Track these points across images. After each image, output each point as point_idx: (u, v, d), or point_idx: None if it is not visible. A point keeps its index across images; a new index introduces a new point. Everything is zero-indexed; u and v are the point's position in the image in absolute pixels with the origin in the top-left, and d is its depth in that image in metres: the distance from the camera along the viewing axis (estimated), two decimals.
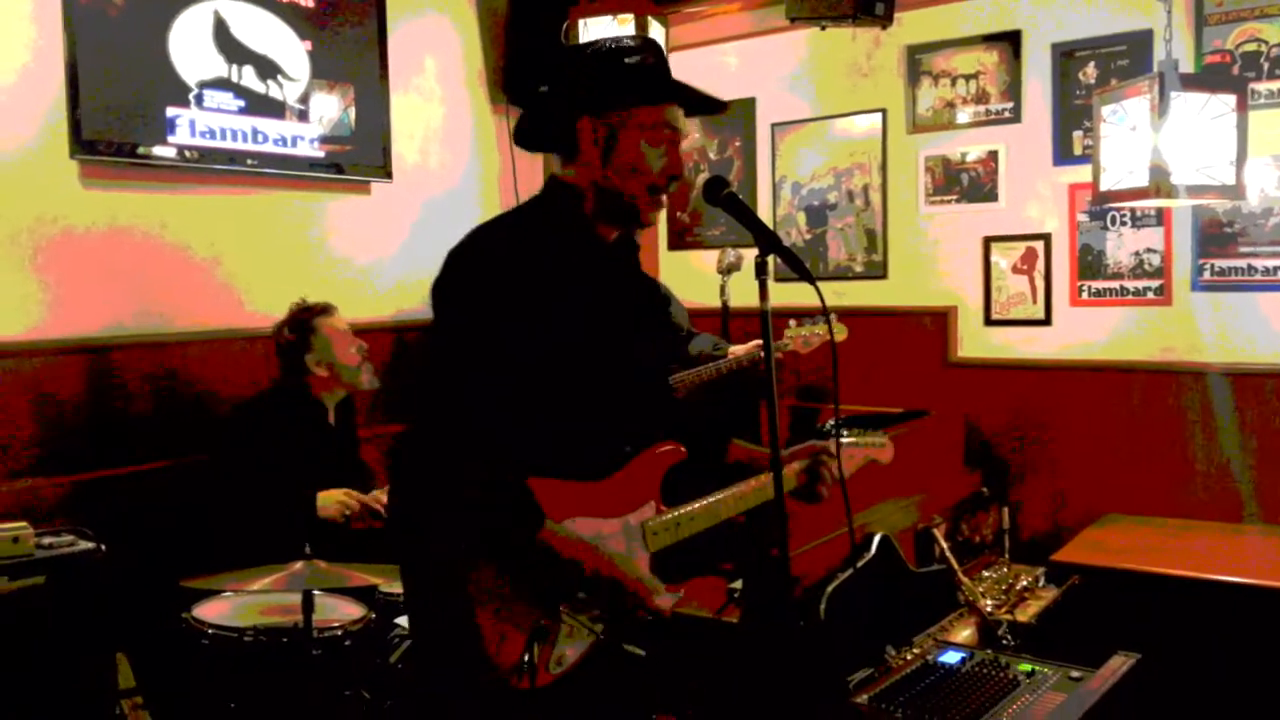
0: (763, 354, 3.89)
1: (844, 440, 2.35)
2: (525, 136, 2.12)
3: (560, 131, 2.00)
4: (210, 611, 2.82)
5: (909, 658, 2.64)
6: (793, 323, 4.00)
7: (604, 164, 1.96)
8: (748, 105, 5.07)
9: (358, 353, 3.45)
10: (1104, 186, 3.45)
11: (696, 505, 2.10)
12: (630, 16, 4.34)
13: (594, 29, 4.39)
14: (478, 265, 1.93)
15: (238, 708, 2.72)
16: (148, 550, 3.16)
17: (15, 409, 3.32)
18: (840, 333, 4.06)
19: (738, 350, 3.95)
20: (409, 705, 2.66)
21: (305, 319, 3.43)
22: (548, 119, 2.03)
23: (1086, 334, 4.26)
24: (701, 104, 2.08)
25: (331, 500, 3.26)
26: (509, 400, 1.86)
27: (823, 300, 1.91)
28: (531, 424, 1.89)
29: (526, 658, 1.80)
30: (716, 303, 4.30)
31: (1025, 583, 3.43)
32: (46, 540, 2.71)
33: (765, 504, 2.13)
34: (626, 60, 1.97)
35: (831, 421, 2.91)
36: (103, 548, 2.75)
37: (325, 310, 3.47)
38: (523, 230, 2.00)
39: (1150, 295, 4.12)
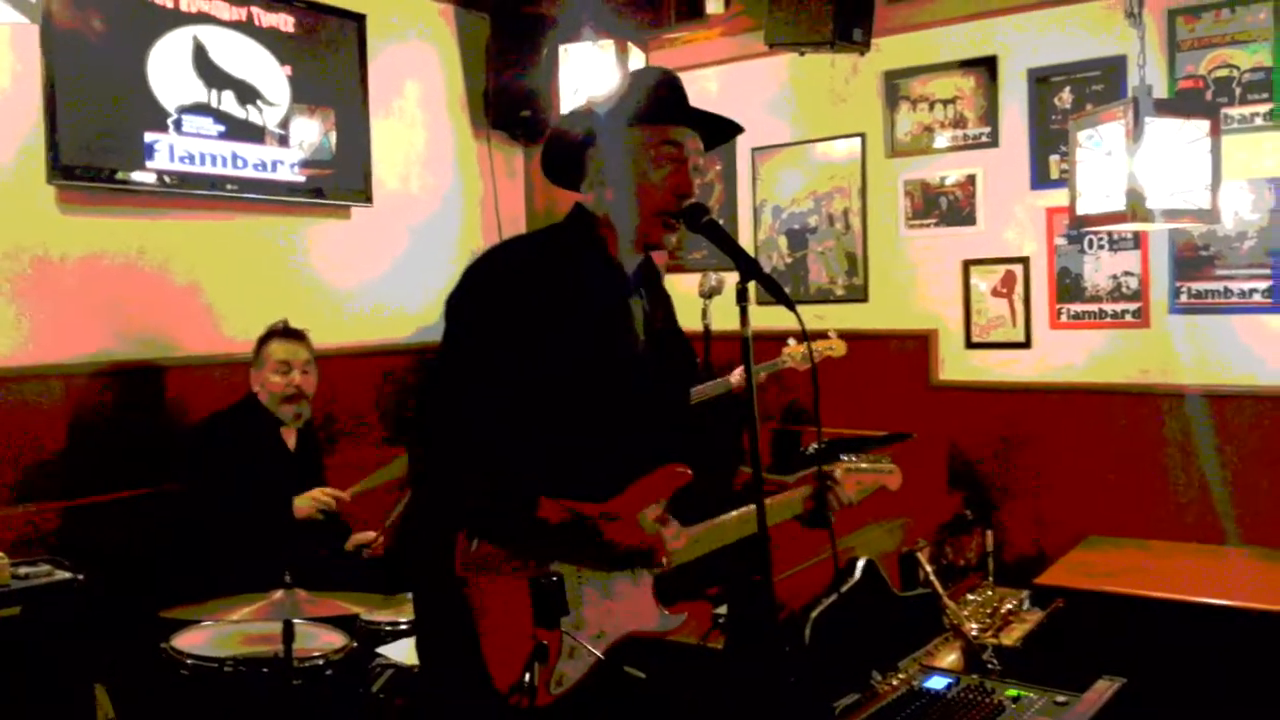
0: (758, 376, 3.95)
1: (852, 465, 2.36)
2: (549, 169, 2.13)
3: (575, 162, 2.04)
4: (189, 641, 2.78)
5: (895, 683, 2.63)
6: (791, 341, 4.04)
7: (614, 187, 1.99)
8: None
9: (283, 384, 3.43)
10: (1081, 210, 3.49)
11: (702, 528, 2.09)
12: (610, 43, 4.36)
13: (575, 55, 4.41)
14: (491, 281, 1.94)
15: None
16: (126, 579, 3.12)
17: None
18: (839, 349, 4.09)
19: (732, 378, 3.96)
20: None
21: (263, 337, 3.50)
22: (563, 151, 2.06)
23: (1066, 356, 4.29)
24: (712, 125, 2.07)
25: (306, 498, 3.30)
26: (513, 416, 1.86)
27: (802, 325, 1.92)
28: (537, 442, 1.89)
29: (527, 677, 1.79)
30: (699, 326, 4.30)
31: (1010, 606, 3.43)
32: (23, 570, 2.67)
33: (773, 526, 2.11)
34: (637, 84, 2.02)
35: (814, 445, 2.91)
36: (80, 577, 2.71)
37: (279, 333, 3.50)
38: (540, 251, 2.01)
39: (1128, 318, 4.15)
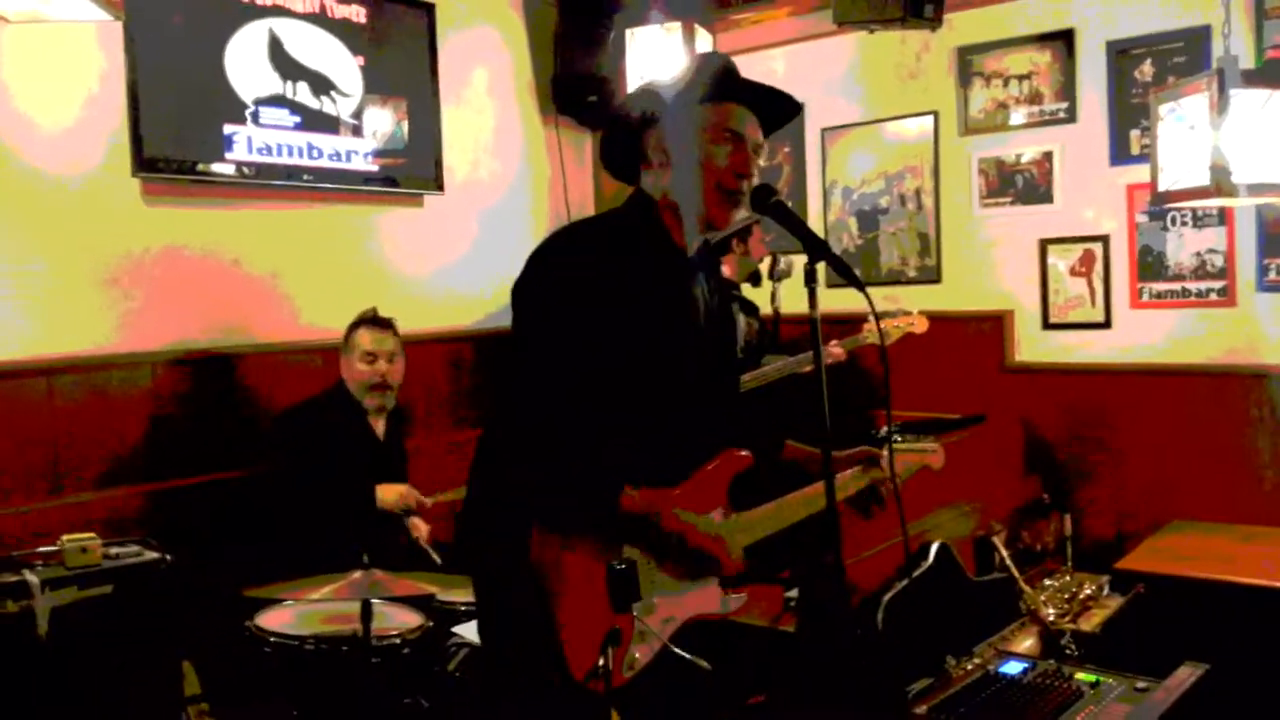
0: (840, 350, 3.91)
1: (895, 446, 2.33)
2: (607, 159, 2.15)
3: (633, 146, 2.04)
4: (272, 620, 2.86)
5: (969, 668, 2.60)
6: (873, 319, 3.99)
7: (672, 168, 1.99)
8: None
9: (370, 373, 3.48)
10: (1163, 186, 3.38)
11: (765, 510, 2.11)
12: (677, 25, 4.34)
13: (642, 38, 4.40)
14: (554, 268, 1.96)
15: (300, 714, 2.76)
16: (212, 559, 3.22)
17: (83, 423, 3.41)
18: (920, 325, 4.04)
19: (803, 359, 3.94)
20: (484, 709, 2.66)
21: (352, 325, 3.55)
22: (621, 136, 2.07)
23: (1147, 337, 4.18)
24: (770, 106, 2.06)
25: (392, 492, 3.34)
26: (580, 402, 1.88)
27: (871, 305, 1.92)
28: (604, 427, 1.90)
29: (602, 661, 1.82)
30: (768, 309, 4.27)
31: (1089, 591, 3.36)
32: (114, 550, 2.77)
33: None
34: (692, 65, 2.03)
35: (885, 427, 2.89)
36: (168, 557, 2.81)
37: (367, 321, 3.55)
38: (601, 236, 2.03)
39: (1213, 296, 4.02)
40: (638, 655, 1.92)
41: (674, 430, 2.02)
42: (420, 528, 3.52)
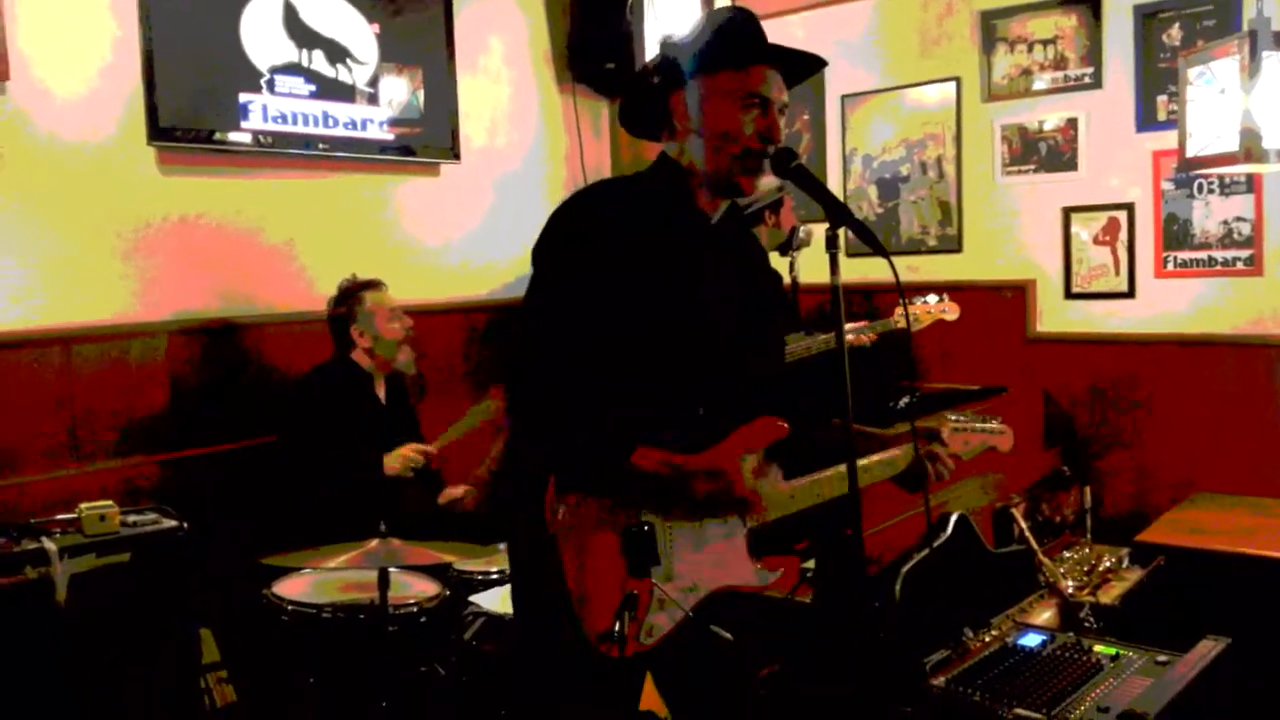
0: (867, 335, 3.84)
1: (959, 424, 2.27)
2: (628, 120, 2.11)
3: (657, 110, 2.00)
4: (290, 589, 2.87)
5: (987, 640, 2.59)
6: (901, 302, 3.88)
7: (698, 134, 1.95)
8: (815, 78, 4.94)
9: (401, 330, 3.49)
10: (1190, 153, 3.32)
11: (802, 482, 2.06)
12: None
13: (660, 4, 4.34)
14: (575, 228, 1.94)
15: (317, 682, 2.78)
16: (230, 528, 3.23)
17: (101, 391, 3.42)
18: (952, 313, 3.95)
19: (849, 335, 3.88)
20: (509, 670, 2.66)
21: (353, 291, 3.53)
22: (644, 100, 2.03)
23: (1172, 306, 4.11)
24: (794, 63, 2.03)
25: (396, 456, 3.37)
26: (598, 362, 1.87)
27: (895, 273, 1.85)
28: (622, 387, 1.89)
29: (617, 626, 1.80)
30: (786, 279, 4.23)
31: (1108, 564, 3.34)
32: (132, 519, 2.79)
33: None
34: (714, 27, 1.96)
35: (906, 399, 2.86)
36: (185, 525, 2.82)
37: (372, 285, 3.54)
38: (623, 198, 2.00)
39: (1240, 265, 3.95)
40: (657, 623, 1.88)
41: (701, 398, 1.98)
42: (455, 492, 3.53)
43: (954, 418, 2.31)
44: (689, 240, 2.00)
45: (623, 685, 1.97)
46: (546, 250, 1.94)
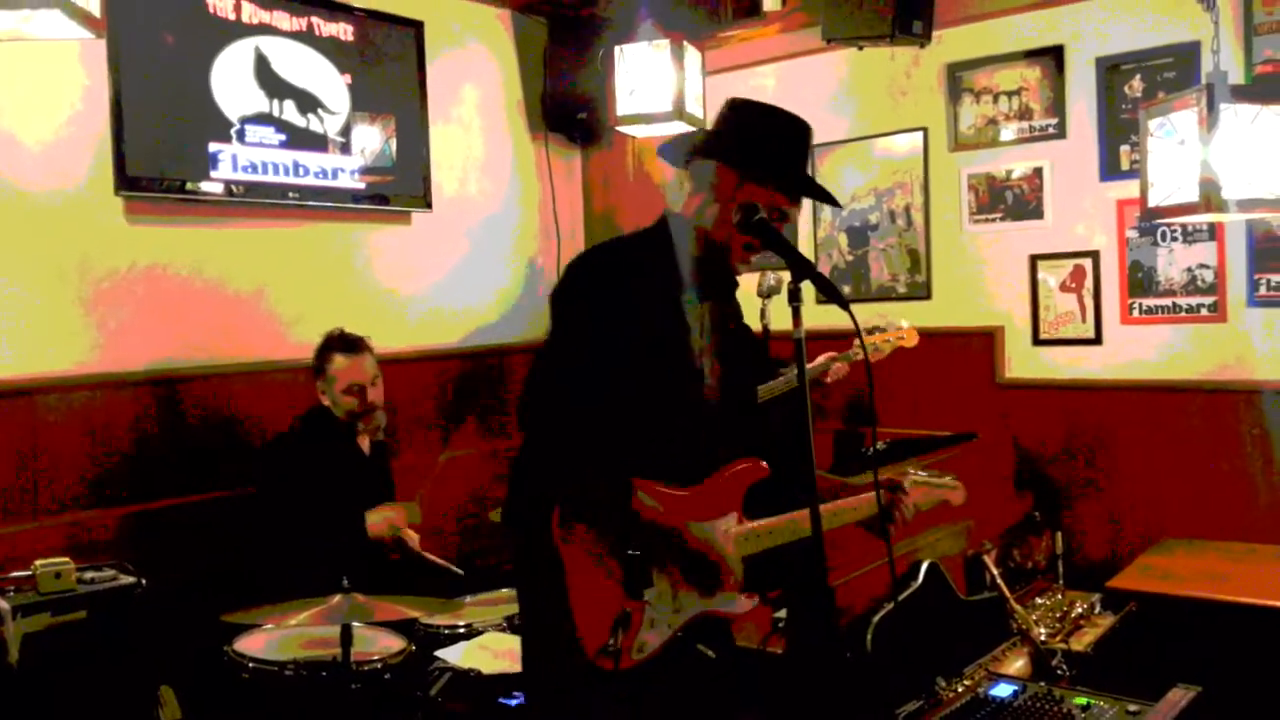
0: (826, 375, 3.88)
1: (918, 478, 2.43)
2: (671, 153, 2.29)
3: (700, 164, 2.19)
4: (252, 645, 2.82)
5: (959, 690, 2.57)
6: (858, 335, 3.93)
7: (719, 210, 2.13)
8: None
9: (356, 404, 3.43)
10: (1153, 202, 3.36)
11: (778, 520, 2.21)
12: (666, 42, 4.33)
13: (631, 55, 4.39)
14: (593, 274, 2.15)
15: None
16: (189, 583, 3.18)
17: (62, 443, 3.37)
18: (910, 339, 4.00)
19: (815, 362, 3.92)
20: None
21: (326, 348, 3.49)
22: (694, 148, 2.23)
23: (1139, 353, 4.15)
24: (820, 197, 2.34)
25: (380, 517, 3.32)
26: (601, 401, 2.05)
27: (857, 325, 1.98)
28: (627, 426, 2.07)
29: (611, 641, 1.99)
30: (757, 326, 4.25)
31: (1080, 610, 3.33)
32: (88, 575, 2.73)
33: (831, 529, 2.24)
34: (782, 137, 2.17)
35: (874, 446, 2.86)
36: (143, 582, 2.77)
37: (348, 346, 3.47)
38: (636, 251, 2.21)
39: (1204, 312, 4.00)
40: (647, 640, 2.06)
41: (694, 437, 2.17)
42: (412, 537, 3.46)
43: (913, 471, 2.46)
44: (690, 290, 2.19)
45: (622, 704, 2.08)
46: (565, 295, 2.15)
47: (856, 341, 3.93)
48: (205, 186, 3.73)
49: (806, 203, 4.91)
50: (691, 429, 2.16)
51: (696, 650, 2.13)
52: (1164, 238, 4.09)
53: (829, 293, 1.97)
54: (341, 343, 3.48)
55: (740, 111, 2.22)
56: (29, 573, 2.63)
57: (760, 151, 2.14)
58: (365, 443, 3.53)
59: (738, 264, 2.19)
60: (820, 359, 3.92)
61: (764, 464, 2.20)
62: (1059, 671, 2.93)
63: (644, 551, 2.03)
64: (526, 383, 2.17)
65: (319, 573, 2.89)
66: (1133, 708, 2.36)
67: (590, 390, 2.04)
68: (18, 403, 3.28)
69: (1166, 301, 4.09)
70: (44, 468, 3.32)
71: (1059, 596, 3.51)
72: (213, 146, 3.74)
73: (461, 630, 3.02)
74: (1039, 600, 3.46)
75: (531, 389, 2.14)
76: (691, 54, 4.44)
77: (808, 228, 4.99)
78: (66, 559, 2.68)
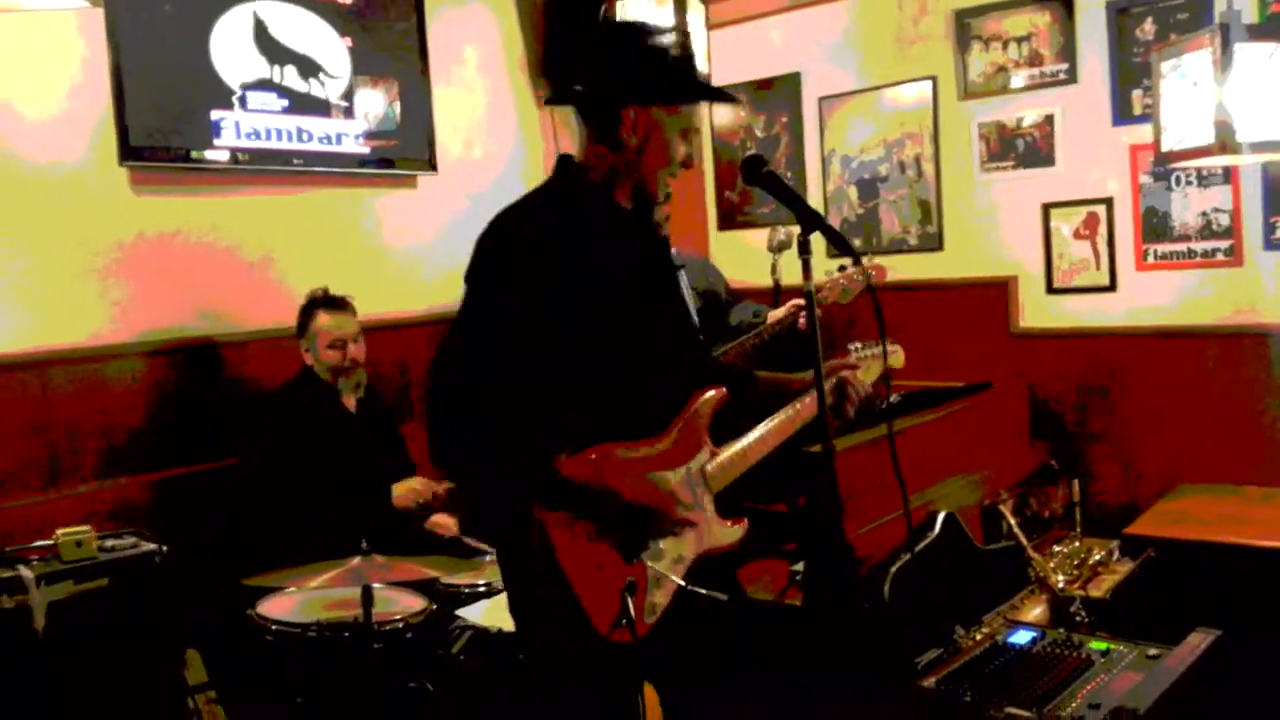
0: (801, 314, 3.78)
1: (859, 353, 2.45)
2: (558, 99, 2.25)
3: (598, 112, 2.08)
4: (274, 608, 2.84)
5: (978, 638, 2.58)
6: (856, 345, 3.75)
7: (638, 151, 2.06)
8: (793, 80, 4.98)
9: (341, 358, 3.44)
10: (1166, 146, 3.32)
11: (747, 442, 2.18)
12: None
13: (633, 10, 4.33)
14: (514, 243, 2.01)
15: (304, 701, 2.74)
16: (210, 549, 3.20)
17: (77, 414, 3.38)
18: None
19: (777, 313, 3.80)
20: (519, 675, 2.67)
21: (309, 307, 3.50)
22: (587, 99, 2.12)
23: (1154, 299, 4.12)
24: (723, 99, 2.31)
25: (407, 490, 3.32)
26: (552, 370, 1.94)
27: (869, 278, 2.00)
28: (580, 389, 1.97)
29: (624, 611, 1.90)
30: (769, 281, 4.23)
31: (1098, 557, 3.33)
32: (109, 543, 2.75)
33: (810, 453, 2.20)
34: (669, 55, 2.07)
35: (888, 398, 2.85)
36: (164, 548, 2.78)
37: (330, 303, 3.50)
38: (549, 207, 2.09)
39: (1220, 256, 3.97)
40: (657, 600, 2.00)
41: (649, 381, 2.08)
42: (447, 524, 3.46)
43: (852, 346, 2.50)
44: (617, 236, 2.09)
45: (628, 682, 2.01)
46: (488, 271, 2.02)
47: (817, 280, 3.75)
48: (209, 155, 3.70)
49: (812, 156, 4.91)
50: (647, 384, 2.07)
51: (707, 597, 2.04)
52: (1178, 182, 4.04)
53: (839, 244, 1.96)
54: (325, 301, 3.50)
55: (612, 39, 2.17)
56: (51, 542, 2.65)
57: (665, 73, 2.06)
58: (351, 402, 3.54)
59: (662, 195, 2.12)
60: (787, 306, 3.70)
61: (724, 389, 2.13)
62: (1077, 618, 2.94)
63: (622, 514, 1.94)
64: (441, 367, 2.03)
65: (338, 541, 2.91)
66: (1152, 652, 2.37)
67: (533, 366, 1.92)
68: (31, 375, 3.29)
69: (1181, 247, 4.05)
70: (60, 439, 3.33)
71: (1076, 544, 3.50)
72: (215, 114, 3.71)
73: (482, 589, 3.04)
74: (1056, 548, 3.45)
75: (461, 374, 1.96)
76: (695, 7, 4.39)
77: (818, 182, 4.95)
78: (87, 527, 2.70)
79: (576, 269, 1.97)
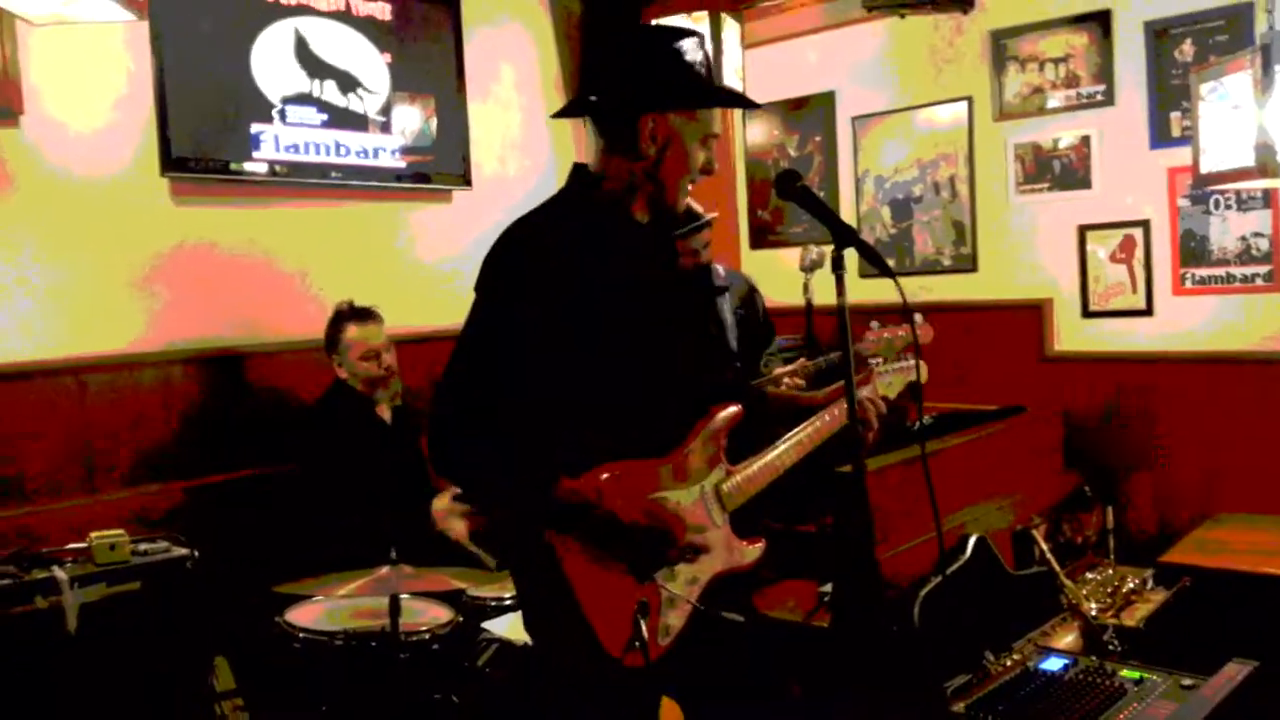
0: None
1: (882, 368, 2.41)
2: (572, 111, 2.17)
3: (615, 122, 2.01)
4: (303, 616, 2.86)
5: (1008, 664, 2.54)
6: (874, 324, 3.72)
7: (657, 160, 2.00)
8: (827, 99, 4.98)
9: (376, 369, 3.46)
10: (1205, 169, 3.30)
11: (764, 460, 2.13)
12: (704, 14, 4.29)
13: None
14: (534, 251, 1.96)
15: (330, 709, 2.75)
16: (242, 555, 3.22)
17: (115, 421, 3.43)
18: (926, 336, 3.80)
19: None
20: (539, 692, 2.65)
21: (338, 320, 3.53)
22: (603, 109, 2.05)
23: (1191, 323, 4.07)
24: (742, 104, 2.30)
25: (457, 521, 3.32)
26: (567, 383, 1.90)
27: (903, 296, 1.87)
28: (593, 406, 1.92)
29: (637, 634, 1.85)
30: (800, 301, 4.22)
31: (1132, 585, 3.28)
32: (142, 547, 2.78)
33: (840, 474, 2.20)
34: (686, 60, 2.01)
35: (919, 420, 2.83)
36: (195, 554, 2.81)
37: (359, 315, 3.52)
38: (566, 216, 2.04)
39: (1259, 281, 3.91)
40: (671, 621, 1.95)
41: (664, 398, 2.03)
42: (457, 527, 3.47)
43: (874, 324, 2.52)
44: (631, 247, 2.04)
45: (642, 704, 1.99)
46: (496, 283, 1.97)
47: (868, 334, 3.71)
48: (249, 167, 3.76)
49: (846, 177, 4.90)
50: (660, 400, 2.01)
51: (722, 619, 2.00)
52: (1217, 206, 4.00)
53: (873, 260, 1.88)
54: (352, 312, 3.53)
55: (628, 48, 2.08)
56: (85, 545, 2.68)
57: (683, 79, 1.99)
58: (385, 411, 3.56)
59: (681, 205, 2.07)
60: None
61: (739, 407, 2.07)
62: (1110, 647, 2.89)
63: (621, 537, 1.88)
64: (451, 380, 1.97)
65: (365, 548, 2.92)
66: (1187, 682, 2.33)
67: (549, 379, 1.88)
68: (71, 381, 3.34)
69: (1220, 271, 4.00)
70: (98, 445, 3.38)
71: (1110, 572, 3.46)
72: (255, 127, 3.77)
73: (508, 602, 3.04)
74: (1089, 575, 3.41)
75: (475, 386, 1.92)
76: (730, 26, 4.40)
77: (851, 202, 4.94)
78: (121, 531, 2.73)
79: (594, 279, 1.93)
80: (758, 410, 2.20)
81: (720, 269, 3.89)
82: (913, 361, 2.49)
